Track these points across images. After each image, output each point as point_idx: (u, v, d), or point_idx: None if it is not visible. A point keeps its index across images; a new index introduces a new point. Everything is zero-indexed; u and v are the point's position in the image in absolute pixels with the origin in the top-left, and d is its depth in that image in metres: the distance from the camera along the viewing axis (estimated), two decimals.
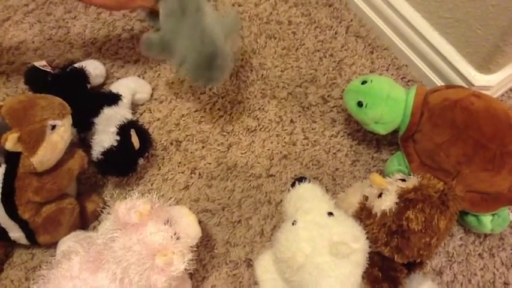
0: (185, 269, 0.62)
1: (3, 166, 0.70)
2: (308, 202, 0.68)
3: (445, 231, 0.63)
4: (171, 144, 0.88)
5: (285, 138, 0.89)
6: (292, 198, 0.71)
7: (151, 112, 0.91)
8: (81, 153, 0.76)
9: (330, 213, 0.65)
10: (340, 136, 0.90)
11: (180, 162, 0.87)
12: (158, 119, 0.90)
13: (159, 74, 0.95)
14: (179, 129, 0.90)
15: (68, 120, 0.73)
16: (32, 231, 0.73)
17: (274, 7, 1.04)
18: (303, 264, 0.62)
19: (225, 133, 0.90)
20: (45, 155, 0.69)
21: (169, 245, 0.63)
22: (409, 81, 0.95)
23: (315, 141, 0.89)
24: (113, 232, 0.62)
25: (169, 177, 0.85)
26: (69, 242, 0.72)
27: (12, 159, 0.69)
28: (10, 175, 0.70)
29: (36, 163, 0.69)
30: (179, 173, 0.86)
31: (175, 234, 0.64)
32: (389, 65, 0.96)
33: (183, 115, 0.91)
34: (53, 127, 0.70)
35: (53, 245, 0.75)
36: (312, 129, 0.90)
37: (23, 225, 0.72)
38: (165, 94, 0.93)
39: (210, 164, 0.87)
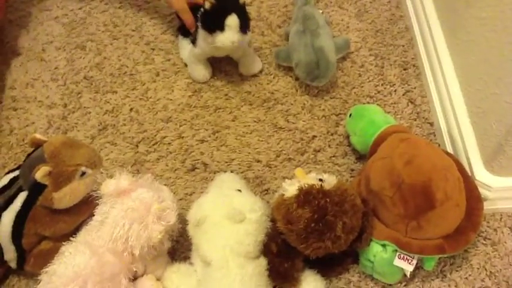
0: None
1: (26, 193, 0.77)
2: (224, 182, 0.82)
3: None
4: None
5: (298, 146, 1.01)
6: (215, 180, 0.85)
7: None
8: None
9: (239, 190, 0.78)
10: (346, 167, 0.98)
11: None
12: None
13: None
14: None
15: (97, 172, 0.80)
16: (24, 258, 0.80)
17: (357, 49, 1.16)
18: (201, 221, 0.74)
19: (256, 119, 1.04)
20: (66, 194, 0.77)
21: (159, 201, 0.76)
22: None
23: (320, 161, 0.99)
24: (110, 205, 0.74)
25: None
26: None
27: (36, 190, 0.76)
28: (29, 203, 0.77)
29: (56, 199, 0.76)
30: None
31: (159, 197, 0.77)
32: (423, 136, 1.02)
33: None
34: (83, 174, 0.78)
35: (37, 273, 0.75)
36: (325, 151, 1.00)
37: (20, 252, 0.79)
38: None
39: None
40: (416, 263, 0.79)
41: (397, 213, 0.77)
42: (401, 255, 0.77)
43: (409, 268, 0.77)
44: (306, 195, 0.71)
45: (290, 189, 0.74)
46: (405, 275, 0.81)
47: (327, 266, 0.82)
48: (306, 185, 0.73)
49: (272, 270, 0.75)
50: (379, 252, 0.78)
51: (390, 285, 0.84)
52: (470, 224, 0.79)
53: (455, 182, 0.77)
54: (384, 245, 0.78)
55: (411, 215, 0.76)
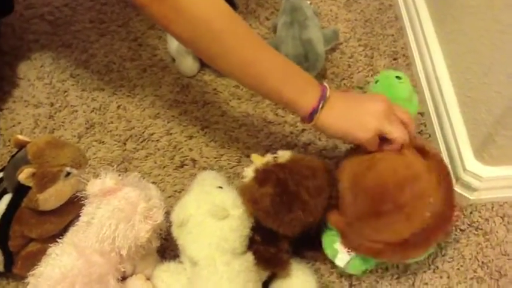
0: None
1: (10, 195, 0.76)
2: (205, 180, 0.81)
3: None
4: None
5: (288, 140, 1.00)
6: (196, 179, 0.84)
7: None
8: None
9: (220, 187, 0.77)
10: (336, 160, 0.97)
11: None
12: None
13: None
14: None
15: (83, 172, 0.79)
16: (12, 261, 0.78)
17: (347, 40, 1.15)
18: (184, 221, 0.73)
19: (245, 114, 1.03)
20: (52, 195, 0.75)
21: (146, 200, 0.74)
22: None
23: (310, 154, 0.97)
24: (96, 205, 0.73)
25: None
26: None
27: (20, 191, 0.74)
28: (13, 206, 0.75)
29: (41, 200, 0.74)
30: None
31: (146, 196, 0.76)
32: None
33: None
34: (68, 174, 0.76)
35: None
36: (315, 144, 0.99)
37: (7, 254, 0.77)
38: None
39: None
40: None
41: (347, 209, 0.76)
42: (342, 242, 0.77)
43: (344, 257, 0.77)
44: (264, 173, 0.71)
45: (249, 173, 0.74)
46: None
47: (315, 249, 0.83)
48: (261, 164, 0.73)
49: (260, 258, 0.74)
50: (328, 235, 0.79)
51: (382, 278, 0.84)
52: (423, 242, 0.74)
53: (415, 196, 0.72)
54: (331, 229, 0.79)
55: (357, 216, 0.74)
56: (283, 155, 0.75)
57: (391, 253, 0.75)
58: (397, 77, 0.86)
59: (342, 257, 0.77)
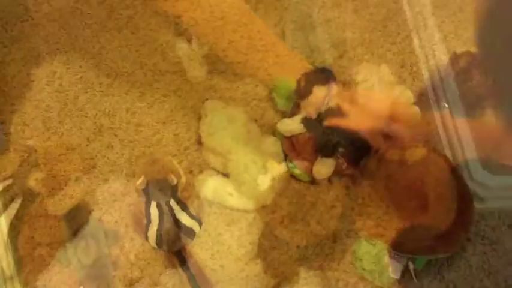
0: None
1: (20, 199, 0.79)
2: None
3: None
4: None
5: None
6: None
7: None
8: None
9: None
10: None
11: None
12: None
13: None
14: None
15: (91, 177, 0.83)
16: (21, 264, 0.78)
17: (354, 47, 1.15)
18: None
19: (253, 120, 1.04)
20: (61, 200, 0.78)
21: None
22: None
23: None
24: None
25: None
26: None
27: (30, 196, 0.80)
28: (23, 210, 0.79)
29: (51, 204, 0.78)
30: None
31: None
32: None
33: None
34: (76, 179, 0.81)
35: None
36: None
37: (17, 258, 0.78)
38: None
39: None
40: (407, 263, 0.80)
41: (393, 213, 0.77)
42: (392, 254, 0.77)
43: (398, 267, 0.77)
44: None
45: (264, 181, 0.79)
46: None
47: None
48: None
49: None
50: (368, 250, 0.79)
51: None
52: (461, 224, 0.79)
53: (447, 184, 0.78)
54: (373, 244, 0.78)
55: (405, 216, 0.75)
56: (301, 165, 0.76)
57: (445, 245, 0.78)
58: None
59: (396, 267, 0.79)
